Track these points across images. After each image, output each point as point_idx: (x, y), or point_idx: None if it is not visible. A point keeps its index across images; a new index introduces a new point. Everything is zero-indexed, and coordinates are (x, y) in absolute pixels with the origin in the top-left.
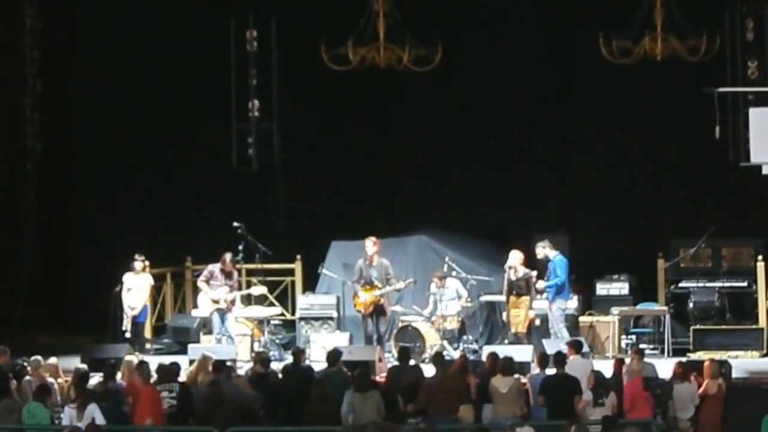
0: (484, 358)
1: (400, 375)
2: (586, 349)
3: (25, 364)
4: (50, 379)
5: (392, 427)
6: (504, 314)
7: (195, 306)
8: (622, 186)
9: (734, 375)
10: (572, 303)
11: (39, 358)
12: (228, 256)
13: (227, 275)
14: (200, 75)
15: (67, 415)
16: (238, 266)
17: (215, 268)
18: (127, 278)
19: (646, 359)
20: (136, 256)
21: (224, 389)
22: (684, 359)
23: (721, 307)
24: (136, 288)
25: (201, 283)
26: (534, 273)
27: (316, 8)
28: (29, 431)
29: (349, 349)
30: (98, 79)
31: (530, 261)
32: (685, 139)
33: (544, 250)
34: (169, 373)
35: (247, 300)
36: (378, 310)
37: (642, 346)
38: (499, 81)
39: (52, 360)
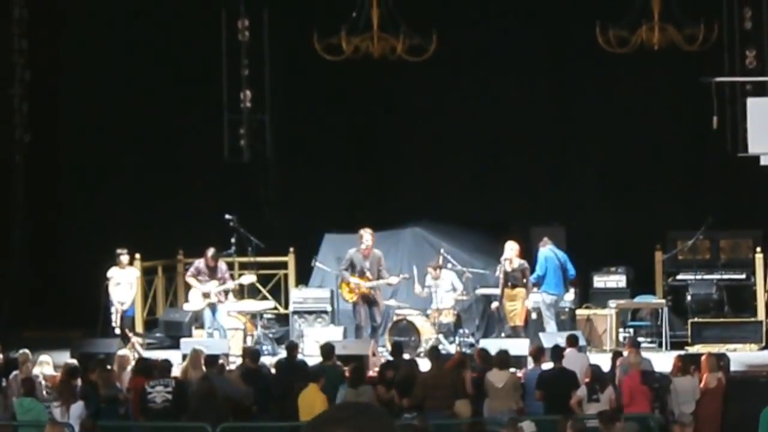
0: None
1: (395, 370)
2: (582, 342)
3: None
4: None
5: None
6: (494, 304)
7: (187, 300)
8: (619, 177)
9: (732, 368)
10: (569, 296)
11: (27, 351)
12: (210, 251)
13: (211, 270)
14: (191, 65)
15: (56, 413)
16: (230, 259)
17: (201, 264)
18: (113, 273)
19: (642, 353)
20: (118, 251)
21: (216, 384)
22: (683, 352)
23: (719, 300)
24: (125, 282)
25: (189, 279)
26: (527, 264)
27: None
28: (26, 428)
29: (343, 343)
30: (87, 69)
31: (527, 253)
32: (683, 129)
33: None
34: (163, 369)
35: (240, 293)
36: (369, 301)
37: (639, 339)
38: (494, 71)
39: (22, 351)
